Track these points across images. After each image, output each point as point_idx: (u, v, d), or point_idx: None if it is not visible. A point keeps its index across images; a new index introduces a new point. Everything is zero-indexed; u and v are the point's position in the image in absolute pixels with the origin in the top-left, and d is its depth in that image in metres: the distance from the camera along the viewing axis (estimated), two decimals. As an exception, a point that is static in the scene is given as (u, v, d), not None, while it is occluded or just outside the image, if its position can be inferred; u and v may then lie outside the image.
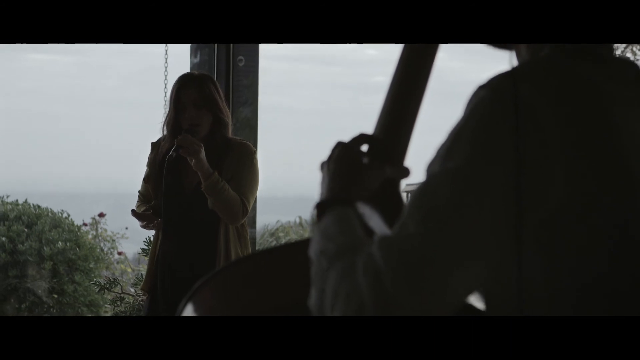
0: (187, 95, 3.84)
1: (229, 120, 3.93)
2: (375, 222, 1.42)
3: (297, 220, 11.60)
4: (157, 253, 3.95)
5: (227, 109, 3.95)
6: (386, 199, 1.50)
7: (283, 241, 10.66)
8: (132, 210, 3.92)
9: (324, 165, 1.52)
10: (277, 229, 10.98)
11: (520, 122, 1.29)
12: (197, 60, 5.53)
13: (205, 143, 3.81)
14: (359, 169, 1.50)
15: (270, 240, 10.64)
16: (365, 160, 1.51)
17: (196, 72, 4.64)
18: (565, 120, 1.31)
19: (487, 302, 1.40)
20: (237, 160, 3.85)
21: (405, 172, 1.54)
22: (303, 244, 1.45)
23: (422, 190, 1.31)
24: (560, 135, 1.30)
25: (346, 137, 1.54)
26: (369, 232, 1.41)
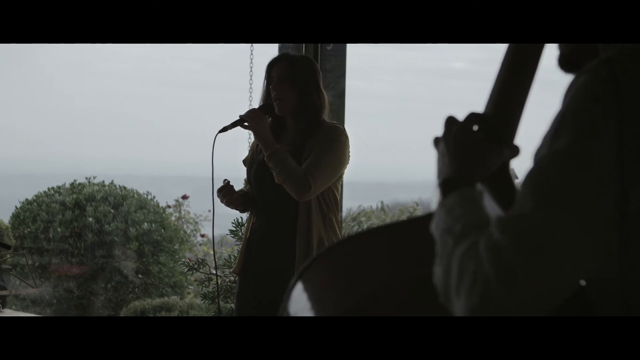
0: (274, 70, 3.91)
1: (321, 103, 3.93)
2: (489, 202, 1.45)
3: (379, 205, 11.59)
4: (248, 234, 4.01)
5: (322, 93, 3.95)
6: (497, 179, 1.53)
7: (365, 226, 10.66)
8: (218, 190, 3.96)
9: (439, 142, 1.56)
10: (359, 214, 10.98)
11: (618, 103, 1.34)
12: (284, 44, 5.55)
13: (292, 122, 3.88)
14: (479, 149, 1.54)
15: (352, 224, 10.65)
16: (482, 141, 1.54)
17: (296, 53, 4.69)
18: None
19: (590, 284, 1.41)
20: (320, 140, 3.87)
21: (516, 151, 1.56)
22: (411, 223, 1.49)
23: (534, 172, 1.37)
24: None
25: (446, 116, 1.56)
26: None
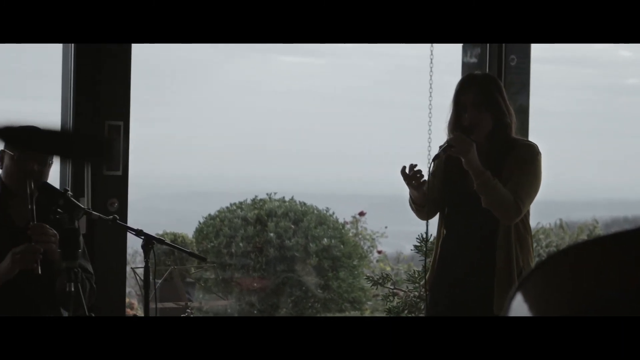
0: (466, 96, 3.90)
1: (512, 121, 3.92)
2: None
3: (557, 222, 11.41)
4: (438, 251, 4.02)
5: (510, 109, 3.94)
6: None
7: (544, 244, 10.50)
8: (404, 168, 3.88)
9: None
10: (537, 231, 10.84)
11: None
12: (467, 58, 5.55)
13: (486, 144, 3.87)
14: None
15: (531, 242, 10.51)
16: None
17: (479, 72, 4.64)
18: None
19: None
20: (518, 160, 3.86)
21: None
22: (627, 235, 1.50)
23: None
24: None
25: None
26: None
